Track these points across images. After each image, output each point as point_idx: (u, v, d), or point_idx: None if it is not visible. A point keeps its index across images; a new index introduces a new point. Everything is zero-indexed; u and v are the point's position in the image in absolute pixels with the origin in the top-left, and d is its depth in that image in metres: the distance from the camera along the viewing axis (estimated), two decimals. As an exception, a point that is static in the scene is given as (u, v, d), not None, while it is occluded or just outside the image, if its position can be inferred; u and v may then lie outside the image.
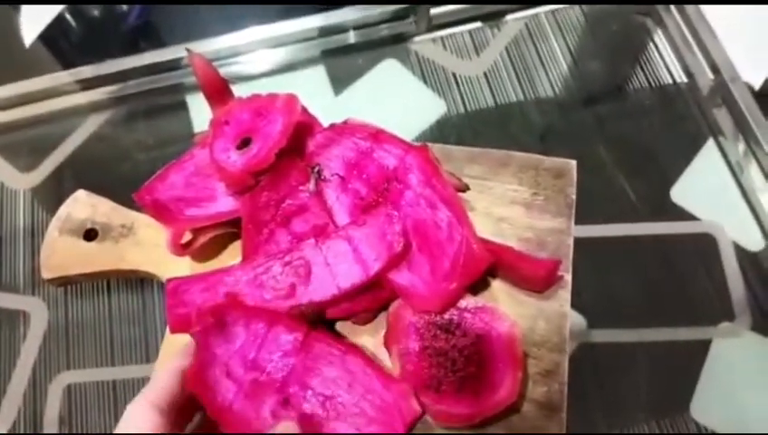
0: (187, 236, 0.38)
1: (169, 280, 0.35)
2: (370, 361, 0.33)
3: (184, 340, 0.36)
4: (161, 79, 0.58)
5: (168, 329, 0.37)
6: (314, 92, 0.57)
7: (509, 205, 0.39)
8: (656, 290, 0.47)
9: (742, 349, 0.44)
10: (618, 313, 0.46)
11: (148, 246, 0.40)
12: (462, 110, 0.56)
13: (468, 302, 0.34)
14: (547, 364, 0.35)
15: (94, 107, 0.58)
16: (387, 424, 0.31)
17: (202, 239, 0.38)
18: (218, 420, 0.31)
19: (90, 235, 0.41)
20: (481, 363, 0.33)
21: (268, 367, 0.33)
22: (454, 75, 0.57)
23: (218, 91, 0.40)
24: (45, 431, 0.44)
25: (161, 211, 0.37)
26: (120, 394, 0.46)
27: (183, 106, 0.57)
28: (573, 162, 0.40)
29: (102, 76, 0.57)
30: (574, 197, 0.39)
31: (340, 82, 0.57)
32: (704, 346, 0.45)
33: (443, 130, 0.55)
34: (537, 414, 0.34)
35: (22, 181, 0.55)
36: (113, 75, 0.57)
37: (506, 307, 0.36)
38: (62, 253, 0.41)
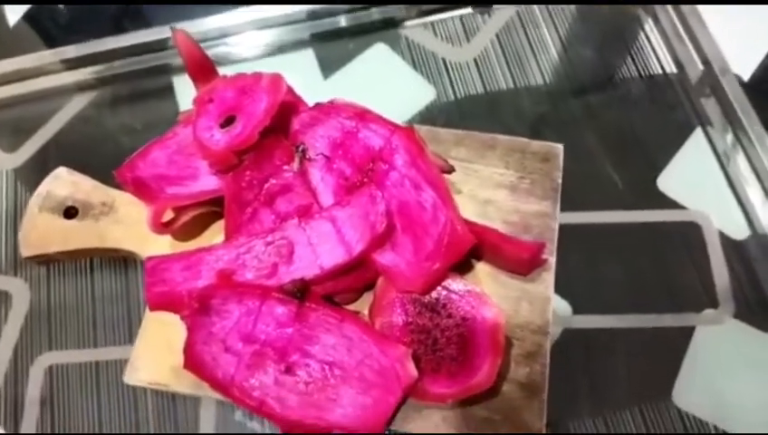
0: (169, 215, 0.38)
1: (149, 258, 0.35)
2: (367, 326, 0.34)
3: (164, 319, 0.35)
4: (147, 60, 0.57)
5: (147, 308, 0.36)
6: (303, 76, 0.57)
7: (495, 188, 0.39)
8: (640, 277, 0.47)
9: (724, 336, 0.45)
10: (602, 299, 0.46)
11: (128, 225, 0.40)
12: (452, 96, 0.55)
13: (457, 284, 0.34)
14: (529, 346, 0.35)
15: (79, 87, 0.57)
16: (385, 388, 0.32)
17: (184, 218, 0.37)
18: (224, 394, 0.33)
19: (70, 212, 0.41)
20: (462, 346, 0.33)
21: (266, 338, 0.33)
22: (444, 61, 0.57)
23: (202, 68, 0.40)
24: (27, 412, 0.44)
25: (142, 189, 0.37)
26: (102, 375, 0.45)
27: (169, 88, 0.57)
28: (560, 146, 0.40)
29: (87, 56, 0.56)
30: (560, 181, 0.39)
31: (329, 66, 0.57)
32: (687, 333, 0.45)
33: (432, 116, 0.54)
34: (518, 395, 0.34)
35: (5, 161, 0.54)
36: (98, 55, 0.56)
37: (490, 289, 0.36)
38: (41, 230, 0.40)
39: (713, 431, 0.42)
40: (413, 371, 0.32)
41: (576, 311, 0.45)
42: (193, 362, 0.33)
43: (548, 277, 0.37)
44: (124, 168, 0.38)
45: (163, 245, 0.38)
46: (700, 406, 0.43)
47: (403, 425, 0.34)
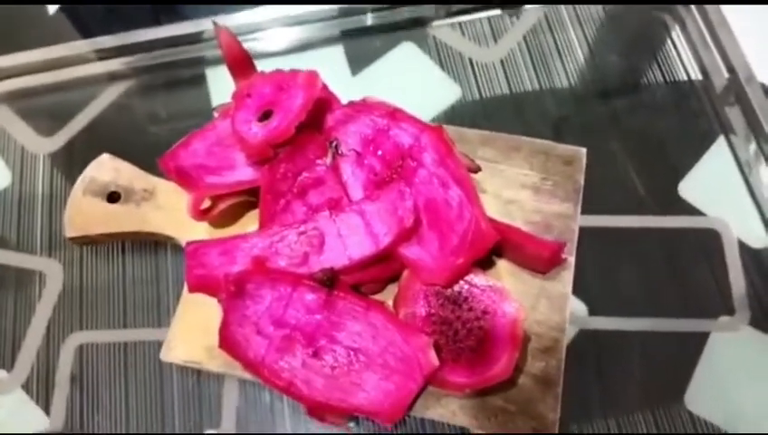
0: (207, 203, 0.40)
1: (189, 243, 0.37)
2: (392, 315, 0.35)
3: (200, 300, 0.37)
4: (181, 52, 0.58)
5: (185, 290, 0.38)
6: (332, 72, 0.57)
7: (519, 188, 0.40)
8: (658, 281, 0.48)
9: (739, 343, 0.45)
10: (619, 302, 0.46)
11: (168, 211, 0.42)
12: (477, 96, 0.56)
13: (479, 279, 0.35)
14: (546, 341, 0.36)
15: (114, 76, 0.58)
16: (407, 375, 0.33)
17: (221, 206, 0.39)
18: (254, 373, 0.34)
19: (113, 197, 0.43)
20: (481, 338, 0.35)
21: (296, 323, 0.35)
22: (470, 61, 0.57)
23: (242, 64, 0.41)
24: (57, 389, 0.45)
25: (183, 177, 0.39)
26: (130, 356, 0.47)
27: (202, 79, 0.58)
28: (583, 150, 0.41)
29: (123, 46, 0.58)
30: (582, 183, 0.40)
31: (357, 63, 0.57)
32: (702, 339, 0.45)
33: (457, 115, 0.55)
34: (533, 387, 0.35)
35: (42, 146, 0.55)
36: (134, 46, 0.57)
37: (511, 286, 0.37)
38: (85, 213, 0.42)
39: None
40: (434, 359, 0.33)
41: (592, 312, 0.45)
42: (227, 342, 0.35)
43: (567, 276, 0.38)
44: (167, 157, 0.40)
45: (200, 231, 0.40)
46: (712, 412, 0.43)
47: (422, 411, 0.36)
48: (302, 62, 0.58)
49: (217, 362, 0.37)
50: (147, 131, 0.55)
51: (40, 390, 0.46)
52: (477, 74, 0.57)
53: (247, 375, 0.36)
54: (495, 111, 0.55)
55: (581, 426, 0.41)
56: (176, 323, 0.39)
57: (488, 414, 0.35)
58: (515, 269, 0.38)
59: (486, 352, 0.34)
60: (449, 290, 0.36)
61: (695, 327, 0.46)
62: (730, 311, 0.46)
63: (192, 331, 0.38)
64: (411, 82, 0.57)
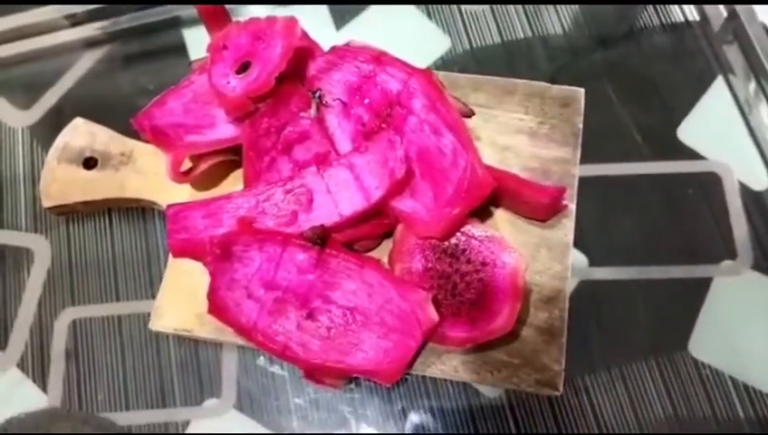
0: (187, 164, 0.38)
1: (170, 206, 0.35)
2: (387, 272, 0.34)
3: (187, 266, 0.36)
4: (156, 13, 0.56)
5: (171, 256, 0.37)
6: (315, 26, 0.55)
7: (514, 133, 0.39)
8: (659, 229, 0.47)
9: (742, 287, 0.44)
10: (620, 251, 0.45)
11: (148, 174, 0.40)
12: (467, 46, 0.54)
13: (477, 230, 0.34)
14: (549, 291, 0.35)
15: (89, 43, 0.56)
16: (406, 332, 0.32)
17: (203, 166, 0.37)
18: (247, 338, 0.33)
19: (89, 163, 0.41)
20: (481, 291, 0.34)
21: (288, 285, 0.33)
22: (459, 10, 0.55)
23: (215, 14, 0.39)
24: (53, 366, 0.45)
25: (159, 137, 0.37)
26: (125, 329, 0.46)
27: (180, 42, 0.56)
28: (581, 90, 0.39)
29: (93, 11, 0.55)
30: (581, 126, 0.38)
31: (341, 17, 0.55)
32: (705, 284, 0.45)
33: (447, 67, 0.53)
34: (537, 339, 0.34)
35: (19, 119, 0.53)
36: (105, 10, 0.55)
37: (509, 236, 0.36)
38: (61, 181, 0.40)
39: (728, 381, 0.42)
40: (433, 315, 0.32)
41: (593, 263, 0.44)
42: (216, 307, 0.33)
43: (567, 223, 0.36)
44: (141, 116, 0.38)
45: (183, 194, 0.38)
46: (717, 357, 0.42)
47: (423, 369, 0.34)
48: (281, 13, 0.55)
49: (208, 328, 0.36)
50: (127, 98, 0.53)
51: (35, 367, 0.45)
52: (467, 23, 0.55)
53: (240, 340, 0.35)
54: (487, 61, 0.53)
55: (585, 377, 0.40)
56: (163, 291, 0.37)
57: (491, 368, 0.34)
58: (514, 218, 0.37)
59: (487, 306, 0.33)
60: (446, 243, 0.34)
61: (697, 273, 0.45)
62: (732, 255, 0.45)
63: (181, 298, 0.37)
64: (398, 33, 0.54)
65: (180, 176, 0.37)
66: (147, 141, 0.39)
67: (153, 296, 0.46)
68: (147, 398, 0.43)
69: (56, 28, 0.56)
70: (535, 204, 0.35)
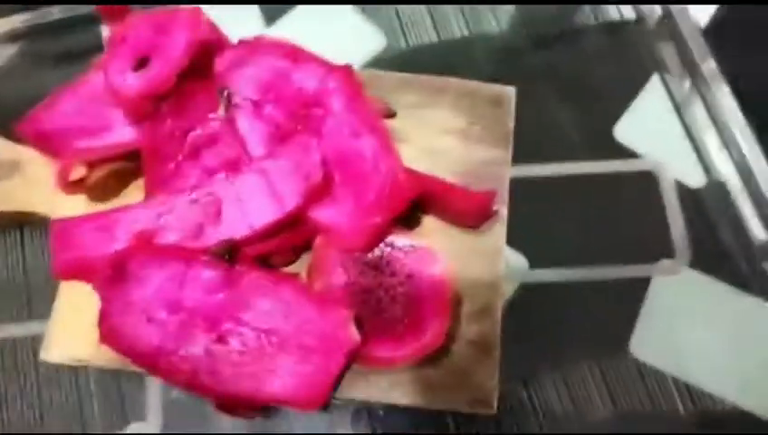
0: (81, 172, 0.34)
1: (55, 221, 0.31)
2: (305, 289, 0.31)
3: (80, 288, 0.32)
4: (75, 8, 0.51)
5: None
6: (243, 23, 0.52)
7: (443, 135, 0.36)
8: (596, 228, 0.46)
9: (680, 285, 0.44)
10: (558, 252, 0.44)
11: (39, 185, 0.35)
12: (404, 45, 0.52)
13: (402, 240, 0.32)
14: (480, 303, 0.33)
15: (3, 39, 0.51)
16: (327, 355, 0.29)
17: (97, 173, 0.33)
18: (148, 369, 0.30)
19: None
20: (407, 306, 0.31)
21: (194, 306, 0.30)
22: (396, 10, 0.53)
23: (113, 4, 0.35)
24: None
25: (45, 143, 0.33)
26: (6, 356, 0.41)
27: (98, 39, 0.51)
28: (512, 89, 0.37)
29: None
30: (512, 126, 0.37)
31: (271, 12, 0.53)
32: (643, 284, 0.44)
33: (382, 67, 0.51)
34: (469, 353, 0.32)
35: None
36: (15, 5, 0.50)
37: (439, 245, 0.33)
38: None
39: (670, 381, 0.41)
40: (355, 335, 0.29)
41: (532, 265, 0.43)
42: (110, 335, 0.29)
43: (500, 229, 0.34)
44: (26, 121, 0.33)
45: (77, 207, 0.34)
46: (658, 357, 0.42)
47: (348, 392, 0.32)
48: (212, 12, 0.52)
49: (107, 356, 0.32)
50: (40, 98, 0.49)
51: None
52: (403, 22, 0.53)
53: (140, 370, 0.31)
54: (423, 61, 0.51)
55: (527, 383, 0.39)
56: (54, 317, 0.33)
57: (422, 388, 0.31)
58: (443, 226, 0.34)
59: (414, 321, 0.31)
60: (369, 255, 0.31)
61: (636, 273, 0.45)
62: (670, 253, 0.45)
63: (74, 323, 0.33)
64: (332, 31, 0.52)
65: (70, 186, 0.33)
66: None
67: (32, 317, 0.42)
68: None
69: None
70: (464, 210, 0.33)
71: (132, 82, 0.32)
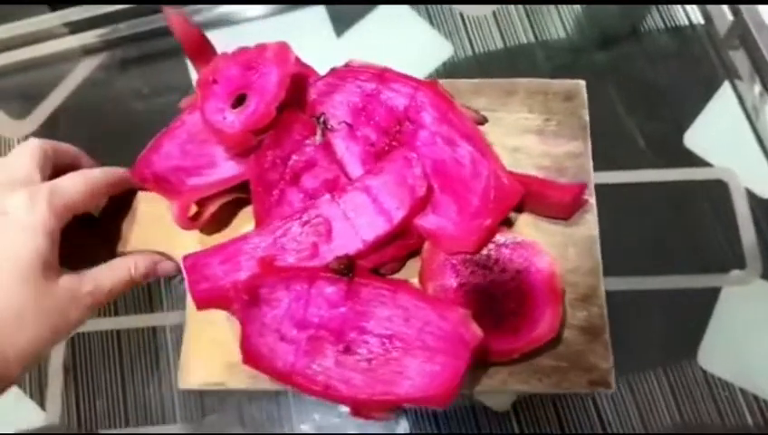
0: (193, 209, 0.36)
1: (185, 257, 0.33)
2: (421, 294, 0.32)
3: (206, 317, 0.34)
4: (154, 20, 0.54)
5: (189, 307, 0.35)
6: (314, 34, 0.54)
7: (521, 134, 0.38)
8: (666, 237, 0.46)
9: (751, 297, 0.44)
10: (628, 260, 0.44)
11: (148, 223, 0.37)
12: (470, 52, 0.53)
13: (506, 237, 0.33)
14: (583, 289, 0.35)
15: (86, 51, 0.55)
16: (452, 353, 0.31)
17: (211, 208, 0.35)
18: (286, 383, 0.31)
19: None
20: (520, 299, 0.33)
21: (320, 321, 0.32)
22: (461, 16, 0.54)
23: (200, 48, 0.37)
24: (51, 380, 0.45)
25: (163, 184, 0.35)
26: (124, 343, 0.46)
27: (178, 49, 0.53)
28: (582, 82, 0.39)
29: (91, 18, 0.54)
30: (587, 118, 0.38)
31: (341, 23, 0.54)
32: (713, 294, 0.44)
33: (450, 74, 0.52)
34: (580, 339, 0.34)
35: (16, 129, 0.52)
36: (102, 17, 0.54)
37: (535, 239, 0.35)
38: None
39: (737, 392, 0.41)
40: (477, 331, 0.31)
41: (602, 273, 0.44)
42: (251, 356, 0.31)
43: (590, 218, 0.36)
44: (140, 165, 0.35)
45: (191, 240, 0.36)
46: (725, 368, 0.42)
47: (472, 386, 0.33)
48: (283, 25, 0.54)
49: (240, 377, 0.34)
50: (124, 107, 0.53)
51: (34, 382, 0.45)
52: (469, 29, 0.54)
53: (276, 386, 0.33)
54: (490, 67, 0.53)
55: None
56: (186, 346, 0.35)
57: (540, 376, 0.33)
58: (535, 220, 0.36)
59: (528, 313, 0.32)
60: (476, 255, 0.33)
61: (706, 283, 0.44)
62: (741, 264, 0.45)
63: (205, 350, 0.35)
64: (400, 41, 0.54)
65: (189, 222, 0.35)
66: (144, 189, 0.37)
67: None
68: (147, 413, 0.43)
69: (54, 36, 0.55)
70: (559, 203, 0.34)
71: (233, 120, 0.34)
